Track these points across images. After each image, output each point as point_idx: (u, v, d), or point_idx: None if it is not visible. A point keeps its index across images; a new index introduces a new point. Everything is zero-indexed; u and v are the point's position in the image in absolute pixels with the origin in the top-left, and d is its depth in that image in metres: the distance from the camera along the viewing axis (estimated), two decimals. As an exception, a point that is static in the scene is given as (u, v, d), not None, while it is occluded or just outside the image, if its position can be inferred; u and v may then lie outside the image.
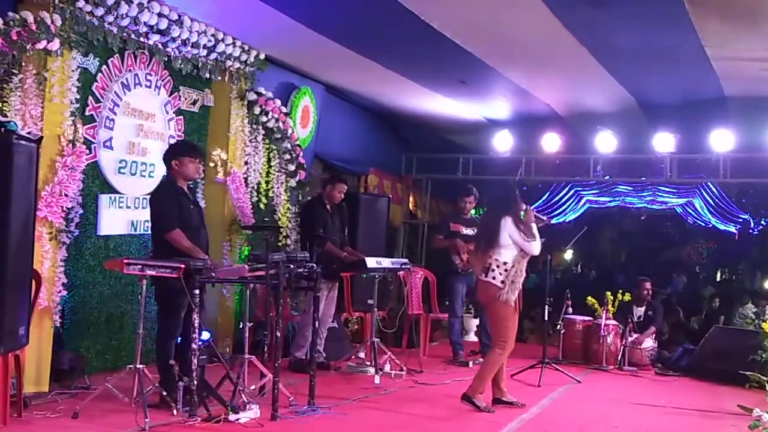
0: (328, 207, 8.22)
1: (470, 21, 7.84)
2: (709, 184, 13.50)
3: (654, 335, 9.81)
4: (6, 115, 5.73)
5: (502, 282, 6.63)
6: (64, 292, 6.40)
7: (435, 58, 8.96)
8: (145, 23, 7.02)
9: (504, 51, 8.83)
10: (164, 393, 5.78)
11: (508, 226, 6.68)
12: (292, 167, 9.35)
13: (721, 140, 10.83)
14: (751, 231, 16.31)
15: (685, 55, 8.41)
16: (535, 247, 6.74)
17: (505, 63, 9.28)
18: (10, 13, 5.82)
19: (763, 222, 15.98)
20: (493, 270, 6.67)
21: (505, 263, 6.66)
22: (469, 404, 6.65)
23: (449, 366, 8.98)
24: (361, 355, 8.48)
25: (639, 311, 10.05)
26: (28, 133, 5.36)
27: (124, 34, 6.96)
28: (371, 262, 7.82)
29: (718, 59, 8.51)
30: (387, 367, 8.00)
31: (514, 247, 6.68)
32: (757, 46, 7.96)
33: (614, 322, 9.67)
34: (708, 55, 8.33)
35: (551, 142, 11.68)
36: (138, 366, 5.62)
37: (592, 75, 9.36)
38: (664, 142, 11.18)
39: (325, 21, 7.97)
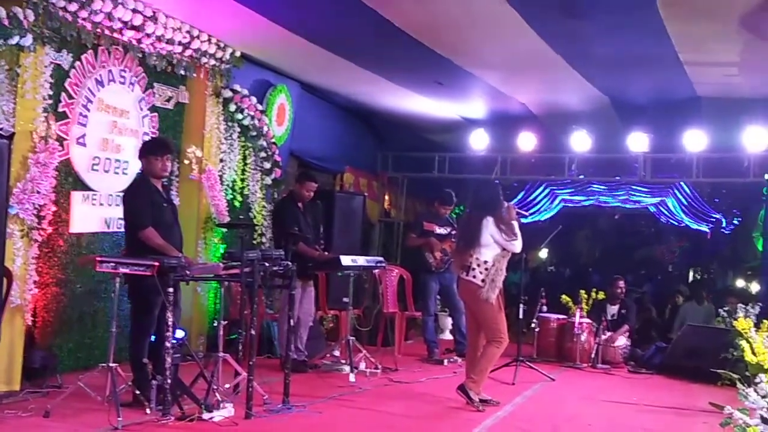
0: (300, 205, 8.19)
1: (446, 29, 7.93)
2: (682, 183, 13.61)
3: (627, 333, 9.89)
4: (-23, 111, 5.67)
5: (482, 281, 6.70)
6: (36, 290, 6.34)
7: (411, 61, 9.04)
8: (119, 19, 6.97)
9: (479, 57, 8.96)
10: (137, 392, 5.74)
11: (489, 226, 6.76)
12: (267, 165, 9.32)
13: (694, 140, 10.93)
14: (723, 230, 16.47)
15: (659, 59, 8.53)
16: (517, 246, 6.84)
17: (480, 67, 9.41)
18: (-18, 8, 5.76)
19: (735, 221, 16.13)
20: (474, 269, 6.73)
21: (485, 262, 6.73)
22: (464, 395, 6.68)
23: (424, 364, 9.00)
24: (336, 353, 8.48)
25: (612, 309, 10.13)
26: (0, 129, 5.30)
27: (98, 29, 6.90)
28: (346, 260, 7.82)
29: (691, 64, 8.63)
30: (362, 366, 8.00)
31: (495, 247, 6.77)
32: (727, 50, 8.06)
33: (588, 321, 9.75)
34: (681, 60, 8.45)
35: (526, 141, 11.74)
36: (111, 364, 5.58)
37: (567, 79, 9.46)
38: (637, 142, 11.27)
39: (301, 23, 7.99)
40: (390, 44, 8.37)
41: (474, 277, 6.75)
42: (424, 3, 7.23)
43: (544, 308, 10.14)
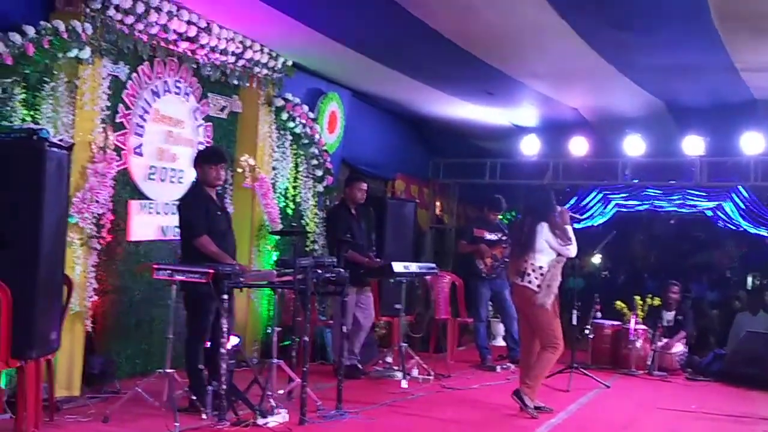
0: (353, 211, 8.22)
1: (496, 39, 7.95)
2: (739, 187, 13.31)
3: (684, 340, 9.73)
4: (38, 123, 5.81)
5: (538, 286, 6.68)
6: (95, 297, 6.47)
7: (460, 71, 9.07)
8: (174, 31, 7.10)
9: (530, 67, 8.98)
10: (193, 397, 5.82)
11: (544, 232, 6.75)
12: (319, 172, 9.38)
13: (752, 143, 10.72)
14: (783, 235, 16.09)
15: (713, 66, 8.44)
16: (572, 251, 6.82)
17: (530, 77, 9.42)
18: (42, 22, 5.90)
19: (795, 225, 15.76)
20: (529, 274, 6.72)
21: (541, 267, 6.72)
22: (519, 401, 6.66)
23: (476, 370, 8.97)
24: (389, 359, 8.48)
25: (669, 315, 9.97)
26: (60, 140, 5.43)
27: (154, 41, 7.04)
28: (398, 266, 7.83)
29: (747, 70, 8.49)
30: (414, 372, 8.00)
31: (550, 252, 6.76)
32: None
33: (643, 327, 9.61)
34: (737, 67, 8.33)
35: (579, 146, 11.64)
36: (168, 370, 5.67)
37: (620, 85, 9.39)
38: (693, 146, 11.09)
39: (350, 34, 8.08)
40: (439, 55, 8.41)
41: (530, 282, 6.72)
42: (473, 14, 7.23)
43: (599, 314, 10.02)
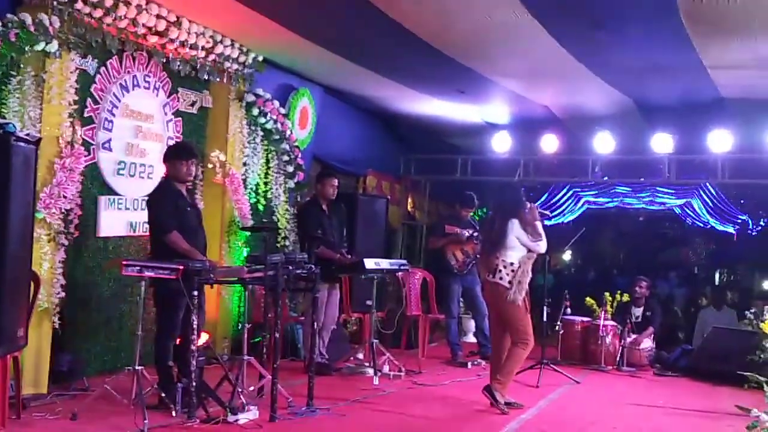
0: (324, 207, 8.20)
1: (468, 39, 7.98)
2: (707, 184, 13.49)
3: (652, 336, 9.82)
4: (4, 117, 5.75)
5: (509, 282, 6.72)
6: (63, 294, 6.40)
7: (432, 70, 9.12)
8: (143, 24, 7.03)
9: (501, 66, 9.03)
10: (163, 394, 5.78)
11: (515, 228, 6.79)
12: (290, 168, 9.35)
13: (720, 141, 10.84)
14: (749, 232, 16.30)
15: (682, 65, 8.53)
16: (542, 246, 6.88)
17: (502, 75, 9.47)
18: (9, 15, 5.84)
19: (761, 223, 15.97)
20: (500, 271, 6.76)
21: (512, 264, 6.76)
22: (489, 396, 6.69)
23: (448, 367, 8.99)
24: (360, 356, 8.49)
25: (637, 311, 10.06)
26: (27, 134, 5.36)
27: (123, 35, 6.97)
28: (369, 263, 7.83)
29: (715, 68, 8.59)
30: (386, 368, 8.01)
31: (520, 248, 6.80)
32: (751, 56, 8.02)
33: (612, 323, 9.69)
34: (705, 65, 8.42)
35: (549, 143, 11.70)
36: (137, 367, 5.62)
37: (590, 84, 9.45)
38: (662, 143, 11.19)
39: (321, 32, 8.08)
40: (411, 54, 8.44)
41: (501, 279, 6.76)
42: (445, 14, 7.26)
43: (568, 310, 10.09)
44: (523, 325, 6.79)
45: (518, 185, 7.29)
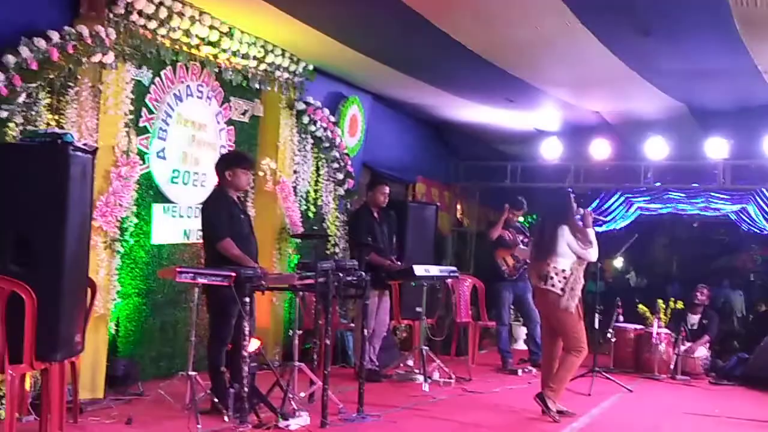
0: (375, 214, 8.24)
1: (517, 49, 7.99)
2: (763, 190, 13.21)
3: (708, 344, 9.65)
4: (63, 127, 5.87)
5: (562, 290, 6.66)
6: (119, 300, 6.52)
7: (481, 80, 9.14)
8: (196, 35, 7.15)
9: (551, 75, 9.02)
10: (215, 399, 5.84)
11: (565, 234, 6.73)
12: (340, 176, 9.41)
13: (775, 146, 10.63)
14: (806, 237, 15.94)
15: (736, 71, 8.39)
16: (593, 254, 6.78)
17: (551, 84, 9.46)
18: (66, 27, 5.96)
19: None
20: (552, 278, 6.70)
21: (563, 270, 6.69)
22: (541, 404, 6.64)
23: (498, 374, 8.95)
24: (410, 362, 8.49)
25: (693, 319, 9.91)
26: (84, 144, 5.47)
27: (176, 46, 7.09)
28: (419, 270, 7.83)
29: (770, 72, 8.45)
30: (436, 375, 8.00)
31: (571, 255, 6.72)
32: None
33: (666, 331, 9.55)
34: (760, 70, 8.27)
35: (601, 149, 11.58)
36: (190, 373, 5.70)
37: (642, 90, 9.36)
38: (716, 148, 11.01)
39: (371, 44, 8.16)
40: (460, 64, 8.48)
41: (553, 286, 6.70)
42: (494, 25, 7.27)
43: (621, 318, 9.97)
44: (576, 332, 6.73)
45: (566, 191, 7.21)
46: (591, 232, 6.79)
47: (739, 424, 7.03)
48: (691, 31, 7.20)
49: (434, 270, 8.19)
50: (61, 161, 5.03)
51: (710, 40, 7.42)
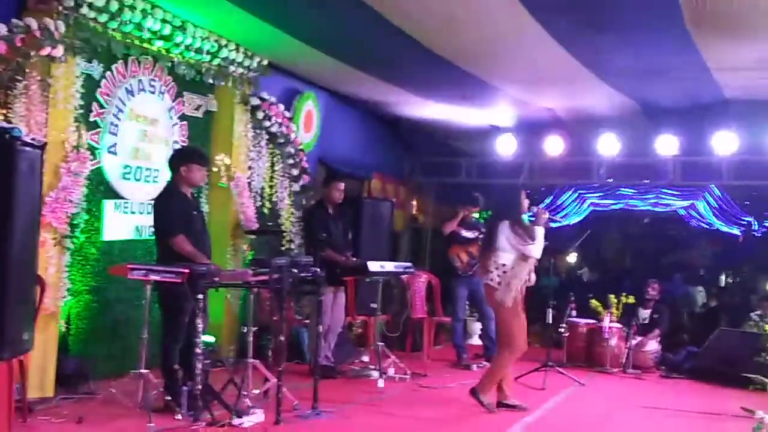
0: (331, 211, 8.23)
1: (473, 47, 8.02)
2: (712, 186, 13.46)
3: (658, 338, 9.81)
4: (10, 122, 5.75)
5: (498, 283, 6.73)
6: (69, 298, 6.42)
7: (436, 76, 9.14)
8: (148, 29, 7.06)
9: (505, 71, 9.06)
10: (168, 397, 5.80)
11: (504, 230, 6.78)
12: (295, 172, 9.37)
13: (724, 143, 10.83)
14: (754, 233, 16.27)
15: (686, 68, 8.53)
16: (533, 250, 6.79)
17: (506, 81, 9.51)
18: (14, 20, 5.85)
19: (766, 224, 15.93)
20: (492, 272, 6.79)
21: (503, 265, 6.76)
22: (475, 398, 6.70)
23: (453, 369, 9.01)
24: (365, 359, 8.50)
25: (644, 313, 10.07)
26: (33, 139, 5.37)
27: (128, 40, 6.99)
28: (374, 266, 7.84)
29: (719, 70, 8.59)
30: (391, 371, 8.02)
31: (512, 250, 6.75)
32: (755, 57, 8.02)
33: (618, 325, 9.68)
34: (709, 67, 8.42)
35: (554, 146, 11.69)
36: (142, 371, 5.64)
37: (594, 87, 9.46)
38: (667, 145, 11.18)
39: (324, 40, 8.11)
40: (415, 61, 8.49)
41: (491, 279, 6.79)
42: (449, 22, 7.28)
43: (573, 313, 10.09)
44: (509, 327, 6.78)
45: (515, 187, 7.26)
46: (539, 230, 6.81)
47: (688, 417, 7.16)
48: (642, 28, 7.31)
49: (389, 266, 8.22)
50: (8, 156, 4.93)
51: (661, 37, 7.53)
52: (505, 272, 6.73)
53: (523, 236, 6.76)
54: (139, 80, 7.43)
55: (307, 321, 8.59)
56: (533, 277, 6.91)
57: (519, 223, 6.81)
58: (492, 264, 6.79)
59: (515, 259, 6.77)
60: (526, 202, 7.00)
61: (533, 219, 6.91)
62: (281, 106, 9.04)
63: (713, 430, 6.76)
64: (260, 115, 8.76)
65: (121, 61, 7.12)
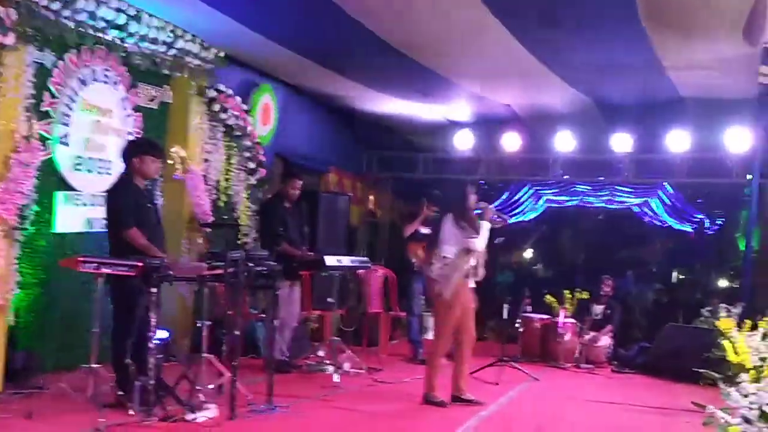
0: (287, 204, 8.19)
1: (431, 42, 8.03)
2: (665, 184, 13.66)
3: (611, 333, 9.93)
4: (-42, 111, 5.63)
5: (438, 275, 6.76)
6: (19, 291, 6.29)
7: (393, 71, 9.19)
8: (102, 18, 6.93)
9: (463, 66, 9.10)
10: (120, 392, 5.71)
11: (448, 223, 6.84)
12: (252, 165, 9.29)
13: (678, 141, 10.99)
14: (706, 231, 16.56)
15: (641, 65, 8.64)
16: (476, 244, 6.83)
17: (463, 76, 9.55)
18: (-37, 7, 5.72)
19: (718, 222, 16.22)
20: (434, 264, 6.85)
21: (445, 258, 6.81)
22: (428, 402, 6.76)
23: (408, 364, 9.02)
24: (321, 353, 8.47)
25: (597, 309, 10.17)
26: (-19, 128, 5.27)
27: (81, 29, 6.86)
28: (331, 260, 7.82)
29: (674, 68, 8.71)
30: (346, 366, 8.00)
31: (455, 244, 6.79)
32: (708, 56, 8.14)
33: (572, 320, 9.78)
34: (664, 65, 8.53)
35: (511, 142, 11.77)
36: (93, 365, 5.55)
37: (551, 83, 9.54)
38: (621, 142, 11.31)
39: (282, 33, 8.08)
40: (373, 55, 8.49)
41: (432, 272, 6.85)
42: (407, 16, 7.28)
43: (529, 308, 10.16)
44: (439, 319, 6.89)
45: (463, 182, 7.30)
46: (484, 224, 6.87)
47: (639, 411, 7.26)
48: (599, 24, 7.37)
49: (346, 261, 8.20)
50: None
51: (616, 34, 7.60)
52: (447, 265, 6.78)
53: (466, 229, 6.80)
54: (93, 70, 7.30)
55: (263, 315, 8.52)
56: (482, 271, 6.95)
57: (463, 216, 6.86)
58: (435, 256, 6.85)
59: (458, 253, 6.80)
60: (473, 197, 7.01)
61: (479, 213, 6.98)
62: (238, 99, 8.96)
63: (664, 424, 6.85)
64: (217, 107, 8.67)
65: (74, 50, 6.98)
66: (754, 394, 4.58)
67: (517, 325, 9.69)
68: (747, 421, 5.05)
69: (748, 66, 8.27)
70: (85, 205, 7.28)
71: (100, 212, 7.09)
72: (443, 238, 6.83)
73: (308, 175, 10.53)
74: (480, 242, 6.85)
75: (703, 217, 16.03)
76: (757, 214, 10.93)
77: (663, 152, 11.38)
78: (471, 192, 6.99)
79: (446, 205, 7.11)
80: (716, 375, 6.60)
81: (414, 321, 9.45)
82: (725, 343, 6.78)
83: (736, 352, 6.47)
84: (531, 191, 14.78)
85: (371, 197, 13.36)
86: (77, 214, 7.21)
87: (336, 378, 7.56)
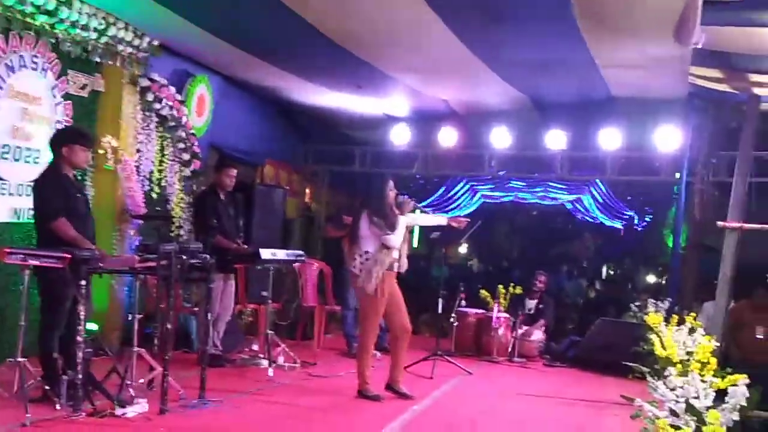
0: (222, 196, 8.09)
1: (369, 35, 8.03)
2: (597, 181, 13.91)
3: (543, 328, 10.07)
4: None
5: (360, 270, 6.80)
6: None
7: (331, 64, 9.16)
8: (31, 3, 6.74)
9: (401, 61, 9.13)
10: (47, 387, 5.57)
11: (364, 219, 6.87)
12: (186, 156, 9.16)
13: (609, 139, 11.21)
14: (635, 227, 16.92)
15: (575, 63, 8.78)
16: (391, 240, 6.84)
17: (401, 71, 9.56)
18: None
19: (647, 219, 16.59)
20: (355, 259, 6.88)
21: (366, 252, 6.83)
22: (361, 396, 6.77)
23: (343, 358, 9.00)
24: (255, 347, 8.41)
25: (531, 304, 10.31)
26: None
27: (9, 13, 6.66)
28: (266, 253, 7.75)
29: (606, 67, 8.86)
30: (281, 360, 7.96)
31: (373, 239, 6.82)
32: (639, 56, 8.30)
33: (506, 315, 9.89)
34: (597, 63, 8.67)
35: (448, 137, 11.85)
36: (19, 359, 5.40)
37: (487, 80, 9.62)
38: (555, 140, 11.49)
39: (216, 23, 7.96)
40: (310, 47, 8.45)
41: (354, 267, 6.88)
42: (346, 8, 7.25)
43: (463, 303, 10.24)
44: (366, 312, 6.91)
45: (383, 177, 7.29)
46: (401, 220, 6.91)
47: (570, 404, 7.37)
48: (534, 23, 7.46)
49: (281, 254, 8.14)
50: None
51: (551, 32, 7.70)
52: (367, 260, 6.80)
53: (379, 225, 6.82)
54: (21, 56, 7.09)
55: (196, 308, 8.42)
56: (405, 262, 6.99)
57: (377, 213, 6.86)
58: (356, 251, 6.88)
59: (377, 247, 6.83)
60: (392, 193, 7.02)
61: (400, 208, 7.01)
62: (172, 89, 8.81)
63: (594, 417, 6.97)
64: (150, 96, 8.52)
65: (1, 35, 6.78)
66: (680, 387, 4.67)
67: (451, 319, 9.76)
68: (674, 413, 5.16)
69: (679, 66, 8.48)
70: (11, 194, 7.07)
71: (27, 202, 6.91)
72: (360, 234, 6.87)
73: (244, 167, 10.43)
74: (396, 238, 6.87)
75: (632, 214, 16.38)
76: (685, 212, 11.20)
77: (595, 150, 11.59)
78: (389, 187, 6.99)
79: (363, 200, 7.11)
80: (644, 369, 6.74)
81: (349, 315, 9.43)
82: (653, 337, 6.93)
83: (663, 347, 6.62)
84: (467, 186, 14.91)
85: (307, 190, 13.31)
86: (3, 204, 7.01)
87: (270, 372, 7.51)
